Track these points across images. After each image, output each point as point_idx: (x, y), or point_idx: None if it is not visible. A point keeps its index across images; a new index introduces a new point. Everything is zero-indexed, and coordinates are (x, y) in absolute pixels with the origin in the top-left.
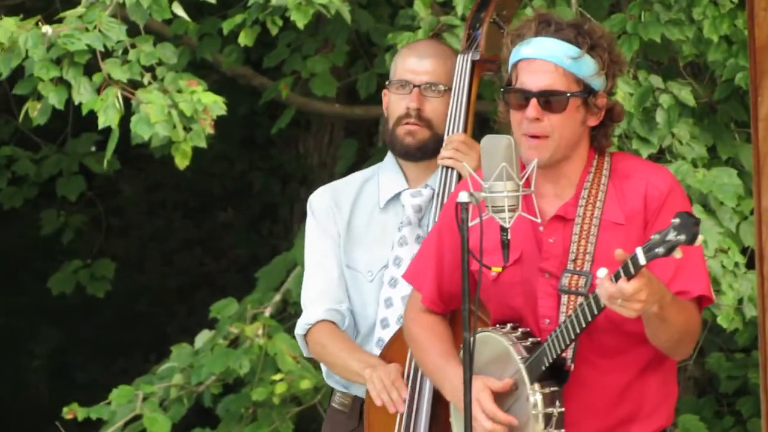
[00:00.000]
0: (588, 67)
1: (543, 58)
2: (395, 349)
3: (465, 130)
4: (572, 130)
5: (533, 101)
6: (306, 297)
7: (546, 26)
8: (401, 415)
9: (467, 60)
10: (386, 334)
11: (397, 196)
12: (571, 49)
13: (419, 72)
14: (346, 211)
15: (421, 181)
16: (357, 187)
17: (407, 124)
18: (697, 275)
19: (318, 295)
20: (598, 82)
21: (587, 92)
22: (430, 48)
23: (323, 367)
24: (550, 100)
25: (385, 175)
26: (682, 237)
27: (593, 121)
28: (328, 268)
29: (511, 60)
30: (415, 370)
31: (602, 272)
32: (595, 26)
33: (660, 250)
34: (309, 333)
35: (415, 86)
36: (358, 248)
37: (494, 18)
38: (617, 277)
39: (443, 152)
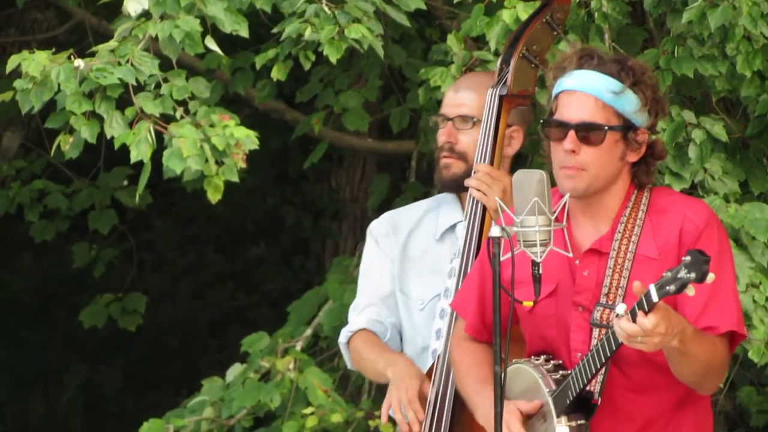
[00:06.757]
0: (630, 103)
1: (583, 91)
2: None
3: (491, 163)
4: (610, 165)
5: (571, 133)
6: (353, 309)
7: (588, 59)
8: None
9: (495, 94)
10: None
11: (453, 227)
12: (613, 84)
13: (453, 105)
14: (402, 237)
15: None
16: (418, 216)
17: (443, 157)
18: (726, 311)
19: (365, 307)
20: (640, 119)
21: (627, 127)
22: (469, 80)
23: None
24: (587, 133)
25: (445, 206)
26: (692, 275)
27: (633, 157)
28: (381, 284)
29: (553, 92)
30: (437, 388)
31: (621, 308)
32: (640, 63)
33: (671, 287)
34: (350, 341)
35: (448, 119)
36: (412, 276)
37: (524, 53)
38: (634, 314)
39: (470, 180)
